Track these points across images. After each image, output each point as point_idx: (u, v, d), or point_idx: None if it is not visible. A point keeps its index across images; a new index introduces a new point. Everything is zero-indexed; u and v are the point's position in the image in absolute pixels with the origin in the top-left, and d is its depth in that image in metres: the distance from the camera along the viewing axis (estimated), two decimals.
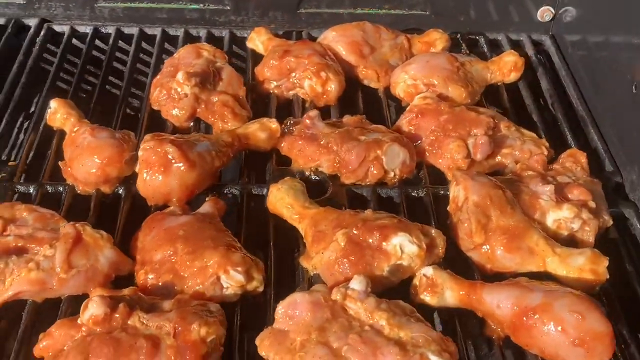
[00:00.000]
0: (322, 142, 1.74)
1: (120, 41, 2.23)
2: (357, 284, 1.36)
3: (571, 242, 1.56)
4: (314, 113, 1.79)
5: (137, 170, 1.64)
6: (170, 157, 1.59)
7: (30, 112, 2.12)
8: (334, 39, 2.08)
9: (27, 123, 1.97)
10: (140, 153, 1.63)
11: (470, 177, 1.59)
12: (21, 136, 2.10)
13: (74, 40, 2.23)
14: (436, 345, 1.28)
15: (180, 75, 1.85)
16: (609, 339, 1.31)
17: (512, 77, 2.09)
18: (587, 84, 2.08)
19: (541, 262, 1.49)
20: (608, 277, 1.46)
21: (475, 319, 1.45)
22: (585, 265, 1.46)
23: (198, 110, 1.86)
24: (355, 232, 1.47)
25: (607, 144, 1.90)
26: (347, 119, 1.86)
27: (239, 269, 1.42)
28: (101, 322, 1.29)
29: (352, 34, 2.08)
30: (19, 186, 1.69)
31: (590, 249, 1.49)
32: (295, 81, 1.99)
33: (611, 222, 1.61)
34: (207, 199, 1.67)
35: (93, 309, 1.29)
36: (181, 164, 1.59)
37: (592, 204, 1.59)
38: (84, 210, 1.63)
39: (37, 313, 1.41)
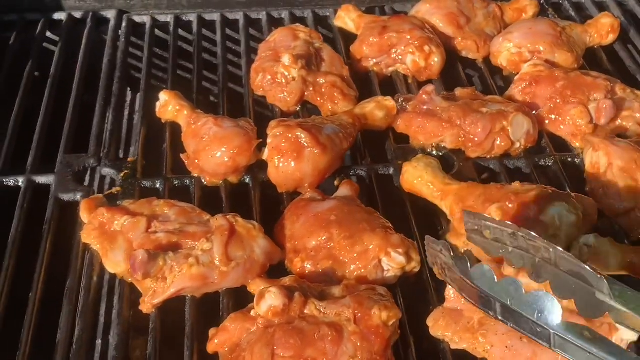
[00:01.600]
0: (443, 117, 1.71)
1: (203, 29, 2.18)
2: None
3: None
4: (430, 88, 1.76)
5: (264, 157, 1.61)
6: (303, 142, 1.56)
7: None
8: (429, 11, 2.05)
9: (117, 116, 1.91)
10: (269, 140, 1.59)
11: (611, 142, 1.57)
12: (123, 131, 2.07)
13: (157, 31, 2.18)
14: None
15: (286, 59, 1.81)
16: None
17: (610, 39, 2.06)
18: None
19: None
20: None
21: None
22: None
23: (306, 93, 1.83)
24: (509, 205, 1.45)
25: None
26: (459, 91, 1.83)
27: (400, 250, 1.40)
28: (280, 313, 1.27)
29: (447, 6, 2.05)
30: (144, 182, 1.65)
31: None
32: (396, 57, 1.95)
33: None
34: (335, 182, 1.65)
35: (272, 299, 1.27)
36: (314, 148, 1.56)
37: None
38: (214, 202, 1.60)
39: (199, 308, 1.39)
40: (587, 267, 1.03)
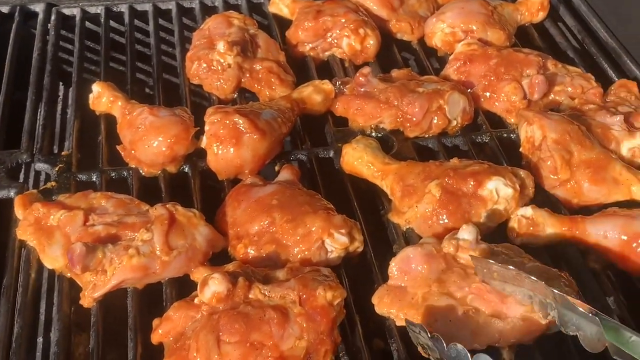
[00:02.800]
0: (381, 98, 1.72)
1: (136, 19, 2.14)
2: (468, 233, 1.35)
3: None
4: (367, 70, 1.76)
5: (203, 145, 1.59)
6: (241, 128, 1.55)
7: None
8: None
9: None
10: (207, 127, 1.58)
11: (544, 116, 1.60)
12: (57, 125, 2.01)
13: (88, 23, 2.13)
14: (558, 282, 1.29)
15: (221, 46, 1.79)
16: None
17: (540, 16, 2.11)
18: (609, 15, 2.11)
19: (627, 191, 1.52)
20: None
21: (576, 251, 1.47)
22: None
23: (243, 80, 1.81)
24: (448, 181, 1.46)
25: None
26: (396, 73, 1.84)
27: (342, 230, 1.40)
28: (224, 298, 1.25)
29: None
30: (80, 175, 1.61)
31: None
32: (332, 41, 1.95)
33: None
34: (276, 167, 1.64)
35: (215, 285, 1.25)
36: (253, 134, 1.55)
37: None
38: (153, 193, 1.58)
39: (141, 299, 1.36)
40: (580, 309, 1.10)
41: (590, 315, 1.08)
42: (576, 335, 1.15)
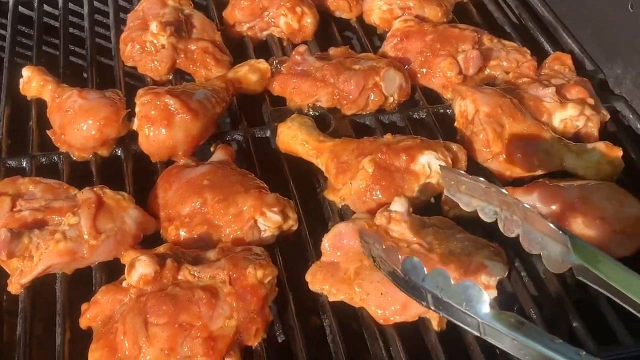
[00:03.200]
0: (317, 76, 1.70)
1: (70, 3, 2.09)
2: (399, 205, 1.36)
3: (577, 139, 1.61)
4: (303, 48, 1.75)
5: (134, 127, 1.57)
6: (172, 108, 1.53)
7: None
8: None
9: None
10: (138, 109, 1.55)
11: (477, 90, 1.61)
12: None
13: (21, 8, 2.08)
14: (488, 251, 1.30)
15: (154, 26, 1.76)
16: None
17: None
18: None
19: (558, 161, 1.53)
20: (624, 166, 1.52)
21: None
22: (602, 158, 1.51)
23: (177, 60, 1.79)
24: (381, 157, 1.46)
25: (582, 45, 1.94)
26: (333, 50, 1.83)
27: (275, 209, 1.39)
28: (152, 280, 1.24)
29: None
30: (10, 161, 1.58)
31: (603, 141, 1.54)
32: (269, 20, 1.94)
33: (608, 116, 1.67)
34: (211, 148, 1.62)
35: (142, 268, 1.24)
36: (184, 114, 1.53)
37: (591, 101, 1.64)
38: (85, 177, 1.55)
39: (70, 285, 1.34)
40: (551, 225, 1.06)
41: (560, 232, 1.04)
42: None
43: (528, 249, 1.13)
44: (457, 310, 1.00)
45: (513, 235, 1.18)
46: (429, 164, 1.45)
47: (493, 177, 1.55)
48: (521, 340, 0.96)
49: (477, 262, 1.28)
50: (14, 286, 1.31)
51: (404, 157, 1.45)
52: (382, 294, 1.26)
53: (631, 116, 1.74)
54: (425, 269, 1.05)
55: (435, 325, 1.28)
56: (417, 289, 1.06)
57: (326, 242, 1.35)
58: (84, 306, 1.27)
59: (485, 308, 0.98)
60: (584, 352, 0.94)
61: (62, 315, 1.28)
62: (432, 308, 1.04)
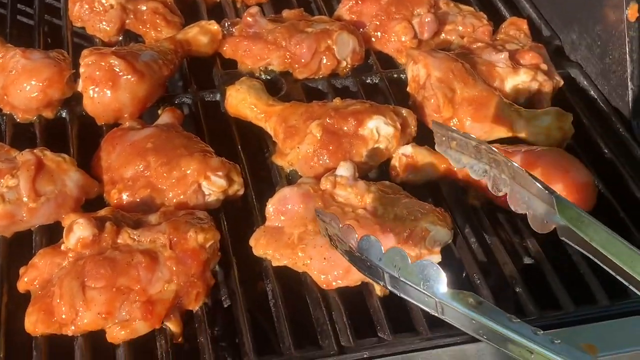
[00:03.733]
0: (269, 39, 1.67)
1: None
2: (345, 170, 1.34)
3: (530, 105, 1.60)
4: (255, 10, 1.72)
5: (80, 89, 1.53)
6: (116, 69, 1.50)
7: None
8: None
9: None
10: (82, 70, 1.51)
11: (429, 54, 1.59)
12: None
13: None
14: (433, 216, 1.30)
15: None
16: (592, 187, 1.37)
17: None
18: None
19: (508, 127, 1.52)
20: (573, 132, 1.52)
21: (456, 189, 1.47)
22: (552, 124, 1.50)
23: (127, 21, 1.75)
24: (329, 121, 1.44)
25: (540, 10, 1.93)
26: (286, 13, 1.80)
27: (220, 173, 1.37)
28: (90, 244, 1.22)
29: None
30: None
31: (553, 107, 1.54)
32: None
33: (562, 82, 1.66)
34: (159, 111, 1.59)
35: (80, 231, 1.22)
36: (130, 76, 1.50)
37: (544, 67, 1.63)
38: (29, 139, 1.52)
39: (9, 248, 1.31)
40: (538, 184, 1.05)
41: (547, 192, 1.04)
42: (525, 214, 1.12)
43: (515, 208, 1.13)
44: (414, 290, 1.00)
45: (501, 194, 1.18)
46: (377, 128, 1.44)
47: None
48: (479, 319, 0.96)
49: (422, 227, 1.27)
50: None
51: (353, 122, 1.43)
52: (325, 258, 1.25)
53: (585, 82, 1.73)
54: (382, 247, 1.04)
55: (378, 290, 1.27)
56: (374, 269, 1.05)
57: (270, 207, 1.33)
58: (21, 270, 1.25)
59: (442, 287, 0.97)
60: (541, 332, 0.94)
61: None
62: (389, 288, 1.04)
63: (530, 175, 1.06)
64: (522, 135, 1.51)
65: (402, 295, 1.02)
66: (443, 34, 1.79)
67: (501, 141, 1.51)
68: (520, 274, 1.33)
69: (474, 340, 1.18)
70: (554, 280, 1.32)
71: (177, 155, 1.37)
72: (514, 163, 1.11)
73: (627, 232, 1.38)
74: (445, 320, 1.00)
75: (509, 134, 1.52)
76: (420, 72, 1.58)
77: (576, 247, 1.04)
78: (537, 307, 1.27)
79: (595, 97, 1.70)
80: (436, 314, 1.00)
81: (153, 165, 1.37)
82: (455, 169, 1.38)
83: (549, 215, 1.05)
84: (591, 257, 1.03)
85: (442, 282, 0.97)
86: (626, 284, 1.00)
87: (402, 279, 1.00)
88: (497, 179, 1.17)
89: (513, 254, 1.40)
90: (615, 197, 1.46)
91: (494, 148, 1.14)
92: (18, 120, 1.55)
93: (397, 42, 1.75)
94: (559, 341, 0.93)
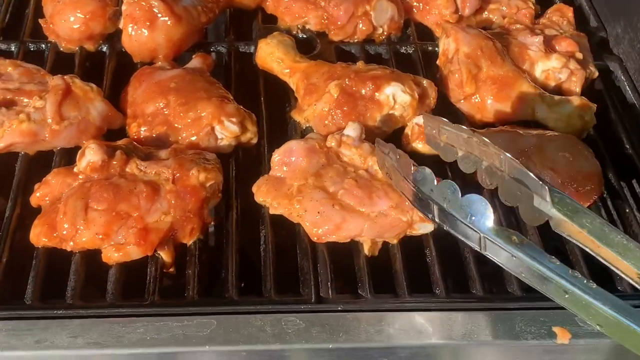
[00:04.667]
0: None
1: None
2: (352, 130, 1.37)
3: (558, 92, 1.59)
4: None
5: (121, 26, 1.60)
6: (155, 10, 1.55)
7: None
8: None
9: None
10: (124, 7, 1.58)
11: (461, 29, 1.59)
12: None
13: None
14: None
15: None
16: (598, 178, 1.35)
17: None
18: None
19: (530, 111, 1.51)
20: (595, 123, 1.49)
21: None
22: (573, 112, 1.49)
23: None
24: (347, 82, 1.47)
25: (591, 0, 1.89)
26: None
27: (233, 119, 1.42)
28: (99, 168, 1.29)
29: None
30: (0, 45, 1.64)
31: (579, 96, 1.52)
32: None
33: (597, 74, 1.63)
34: (193, 56, 1.65)
35: (90, 155, 1.29)
36: (167, 18, 1.56)
37: (579, 55, 1.61)
38: (68, 68, 1.59)
39: (30, 165, 1.40)
40: (532, 175, 1.06)
41: (541, 184, 1.04)
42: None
43: (505, 201, 1.14)
44: (460, 223, 1.03)
45: (491, 188, 1.19)
46: (393, 95, 1.45)
47: (463, 118, 1.55)
48: (520, 256, 0.98)
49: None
50: None
51: (370, 86, 1.46)
52: (319, 212, 1.29)
53: (622, 77, 1.70)
54: (435, 180, 1.07)
55: (366, 249, 1.30)
56: (424, 201, 1.09)
57: (276, 157, 1.38)
58: (36, 185, 1.33)
59: (489, 222, 1.01)
60: (578, 273, 0.96)
61: (15, 191, 1.35)
62: (437, 221, 1.08)
63: (523, 165, 1.07)
64: (543, 120, 1.51)
65: (448, 229, 1.07)
66: (486, 12, 1.78)
67: (522, 124, 1.50)
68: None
69: (447, 309, 1.22)
70: None
71: (196, 98, 1.43)
72: (507, 154, 1.10)
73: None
74: (487, 255, 1.03)
75: (529, 117, 1.52)
76: (450, 45, 1.58)
77: (571, 239, 1.04)
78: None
79: (630, 92, 1.66)
80: (478, 249, 1.03)
81: (172, 104, 1.43)
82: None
83: (542, 207, 1.05)
84: (587, 249, 1.03)
85: (488, 218, 1.00)
86: (622, 275, 1.00)
87: (449, 211, 1.04)
88: (488, 172, 1.17)
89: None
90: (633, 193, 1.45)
91: (485, 139, 1.14)
92: (61, 49, 1.63)
93: (437, 15, 1.75)
94: (595, 285, 0.95)
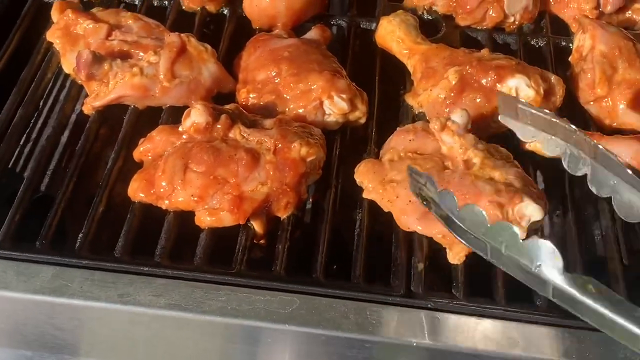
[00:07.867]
0: None
1: None
2: (459, 117, 1.28)
3: None
4: None
5: None
6: None
7: None
8: None
9: None
10: None
11: (600, 25, 1.47)
12: None
13: None
14: (529, 191, 1.20)
15: None
16: None
17: None
18: None
19: None
20: None
21: None
22: None
23: None
24: (469, 70, 1.38)
25: None
26: None
27: (344, 96, 1.36)
28: (202, 130, 1.27)
29: None
30: None
31: None
32: None
33: None
34: (313, 27, 1.61)
35: (195, 116, 1.27)
36: None
37: None
38: (188, 26, 1.59)
39: (138, 119, 1.41)
40: (629, 171, 0.99)
41: (632, 174, 0.97)
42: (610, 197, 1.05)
43: (597, 191, 1.04)
44: (523, 270, 0.96)
45: (580, 174, 1.09)
46: (517, 88, 1.35)
47: (590, 121, 1.43)
48: (599, 309, 0.90)
49: (513, 194, 1.18)
50: (87, 107, 1.40)
51: (493, 76, 1.36)
52: (410, 201, 1.20)
53: None
54: (487, 218, 0.99)
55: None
56: (473, 239, 1.01)
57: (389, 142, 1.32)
58: (140, 140, 1.33)
59: (558, 271, 0.92)
60: None
61: (120, 143, 1.35)
62: (493, 261, 1.00)
63: (617, 157, 0.95)
64: None
65: (507, 271, 0.99)
66: (630, 12, 1.64)
67: None
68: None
69: (549, 323, 1.13)
70: None
71: (308, 70, 1.39)
72: (597, 143, 0.99)
73: None
74: (557, 302, 0.95)
75: None
76: (585, 42, 1.47)
77: None
78: None
79: None
80: (548, 296, 0.96)
81: (284, 73, 1.39)
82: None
83: (637, 202, 0.95)
84: None
85: (557, 266, 0.92)
86: None
87: (511, 254, 0.96)
88: (575, 158, 1.06)
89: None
90: None
91: (572, 126, 1.02)
92: (183, 7, 1.63)
93: (575, 9, 1.63)
94: None
